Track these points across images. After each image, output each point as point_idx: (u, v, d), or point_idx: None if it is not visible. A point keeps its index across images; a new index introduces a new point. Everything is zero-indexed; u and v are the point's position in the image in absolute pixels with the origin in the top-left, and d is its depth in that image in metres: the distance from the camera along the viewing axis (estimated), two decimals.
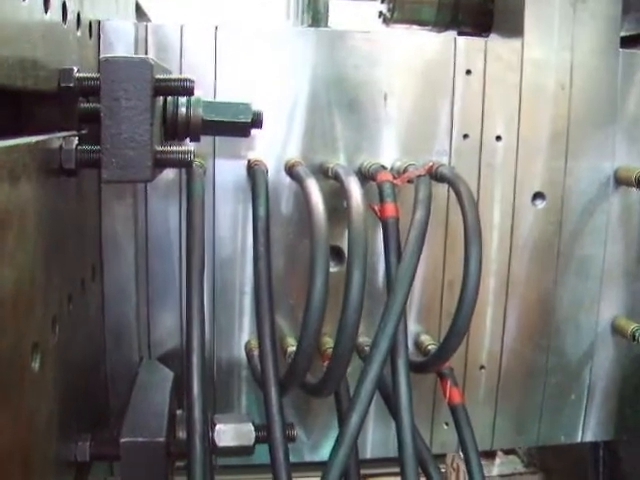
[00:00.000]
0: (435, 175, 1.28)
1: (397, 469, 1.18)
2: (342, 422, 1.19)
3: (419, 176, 1.26)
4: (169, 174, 1.31)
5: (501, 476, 1.93)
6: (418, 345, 1.44)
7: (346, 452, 1.10)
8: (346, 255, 1.31)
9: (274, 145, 1.35)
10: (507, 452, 1.97)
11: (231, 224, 1.36)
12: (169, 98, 1.06)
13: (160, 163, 0.94)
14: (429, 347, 1.41)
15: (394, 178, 1.26)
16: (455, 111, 1.40)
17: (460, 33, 1.58)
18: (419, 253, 1.17)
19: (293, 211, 1.37)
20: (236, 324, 1.40)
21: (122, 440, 1.04)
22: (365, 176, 1.31)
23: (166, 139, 1.08)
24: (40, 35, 0.87)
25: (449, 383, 1.32)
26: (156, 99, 0.94)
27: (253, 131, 1.14)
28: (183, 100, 1.07)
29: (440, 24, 1.57)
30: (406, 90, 1.38)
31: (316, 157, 1.35)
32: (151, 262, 1.34)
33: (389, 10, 1.54)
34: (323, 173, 1.31)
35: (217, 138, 1.32)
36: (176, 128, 1.07)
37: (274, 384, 1.17)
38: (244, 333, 1.41)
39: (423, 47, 1.38)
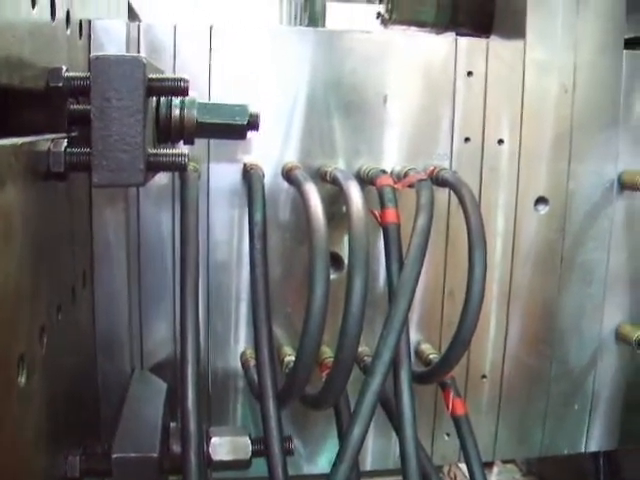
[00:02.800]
0: (436, 179, 1.25)
1: None
2: (343, 436, 1.14)
3: (420, 180, 1.23)
4: (162, 178, 1.26)
5: None
6: (419, 354, 1.41)
7: (348, 466, 1.06)
8: (345, 262, 1.29)
9: (271, 148, 1.31)
10: (505, 461, 1.95)
11: (226, 230, 1.32)
12: (162, 99, 1.03)
13: (153, 166, 0.90)
14: (430, 356, 1.37)
15: (394, 183, 1.22)
16: (456, 114, 1.37)
17: (458, 34, 1.53)
18: (422, 260, 1.13)
19: (290, 216, 1.34)
20: (232, 333, 1.37)
21: (114, 456, 1.01)
22: (364, 180, 1.27)
23: (159, 142, 1.04)
24: (26, 32, 0.83)
25: (452, 393, 1.29)
26: (149, 99, 0.90)
27: (249, 134, 1.10)
28: (177, 101, 1.04)
29: (439, 25, 1.55)
30: (406, 92, 1.35)
31: (314, 161, 1.32)
32: (143, 269, 1.30)
33: (387, 11, 1.51)
34: (321, 177, 1.27)
35: (212, 141, 1.28)
36: (169, 130, 1.03)
37: (272, 396, 1.13)
38: (240, 342, 1.37)
39: (423, 48, 1.35)
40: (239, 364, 1.36)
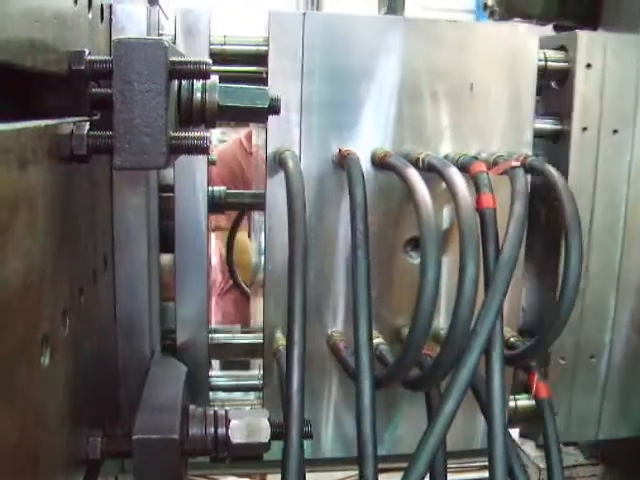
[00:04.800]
0: (527, 167, 1.26)
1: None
2: (434, 412, 1.15)
3: (514, 167, 1.24)
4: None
5: (564, 467, 1.90)
6: None
7: (437, 442, 1.09)
8: None
9: (361, 135, 1.33)
10: (567, 444, 1.97)
11: (316, 213, 1.34)
12: (184, 83, 1.03)
13: (175, 149, 0.90)
14: (512, 339, 1.39)
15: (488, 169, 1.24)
16: (575, 104, 1.39)
17: (556, 27, 1.59)
18: (520, 244, 1.16)
19: (378, 202, 1.35)
20: (319, 315, 1.38)
21: (135, 437, 1.01)
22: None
23: (181, 125, 1.04)
24: (50, 16, 0.84)
25: (536, 377, 1.32)
26: (171, 83, 0.90)
27: (343, 120, 1.20)
28: (198, 85, 1.04)
29: (545, 17, 1.56)
30: (491, 80, 1.36)
31: (403, 147, 1.34)
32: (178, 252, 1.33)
33: (498, 3, 1.52)
34: (411, 163, 1.27)
35: (303, 127, 1.30)
36: (191, 114, 1.03)
37: (369, 377, 1.14)
38: (328, 325, 1.39)
39: (509, 38, 1.37)
40: (325, 347, 1.38)
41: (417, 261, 1.34)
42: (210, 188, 1.54)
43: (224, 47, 1.29)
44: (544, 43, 1.39)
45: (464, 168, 1.24)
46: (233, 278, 2.37)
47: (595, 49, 1.38)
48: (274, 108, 1.07)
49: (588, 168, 1.41)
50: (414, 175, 1.17)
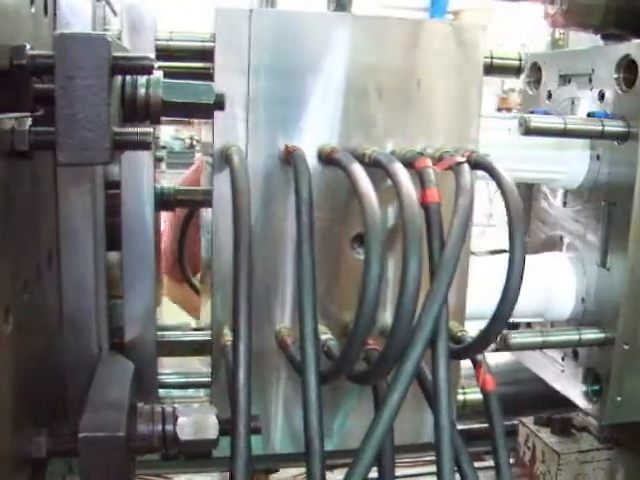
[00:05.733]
0: (471, 162, 1.28)
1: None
2: (380, 402, 1.18)
3: (459, 163, 1.25)
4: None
5: (580, 452, 1.95)
6: (448, 332, 1.42)
7: (382, 433, 1.09)
8: None
9: (307, 131, 1.33)
10: (581, 429, 2.02)
11: (263, 209, 1.34)
12: (128, 78, 1.02)
13: (119, 145, 0.90)
14: (459, 334, 1.40)
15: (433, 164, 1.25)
16: None
17: (604, 36, 1.62)
18: (464, 238, 1.17)
19: (325, 198, 1.35)
20: (268, 311, 1.38)
21: (80, 435, 1.00)
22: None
23: (125, 121, 1.04)
24: None
25: (483, 369, 1.32)
26: (114, 78, 0.90)
27: (290, 116, 1.23)
28: (143, 81, 1.03)
29: (603, 28, 1.59)
30: (439, 78, 1.37)
31: (349, 143, 1.34)
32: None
33: (560, 13, 1.54)
34: (358, 159, 1.27)
35: (249, 124, 1.30)
36: (135, 109, 1.03)
37: (314, 372, 1.15)
38: (276, 321, 1.39)
39: (457, 34, 1.37)
40: (274, 342, 1.38)
41: (364, 257, 1.34)
42: (160, 185, 1.53)
43: (170, 43, 1.28)
44: (607, 52, 1.48)
45: (410, 164, 1.25)
46: (184, 274, 2.36)
47: None
48: (219, 104, 1.07)
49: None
50: (359, 170, 1.18)
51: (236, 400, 1.08)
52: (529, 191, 1.80)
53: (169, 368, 1.60)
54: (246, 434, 1.07)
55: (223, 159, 1.26)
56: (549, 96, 1.70)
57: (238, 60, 1.27)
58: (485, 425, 1.33)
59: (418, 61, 1.35)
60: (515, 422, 2.09)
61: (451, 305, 1.41)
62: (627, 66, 1.45)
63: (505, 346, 1.56)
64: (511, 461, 2.20)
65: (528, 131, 1.42)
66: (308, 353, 1.15)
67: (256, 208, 1.31)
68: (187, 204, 1.77)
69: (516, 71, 1.42)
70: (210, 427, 1.13)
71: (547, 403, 1.99)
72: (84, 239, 1.26)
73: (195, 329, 1.66)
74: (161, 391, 1.50)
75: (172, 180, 1.74)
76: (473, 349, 1.31)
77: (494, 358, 2.12)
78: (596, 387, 1.56)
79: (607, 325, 1.52)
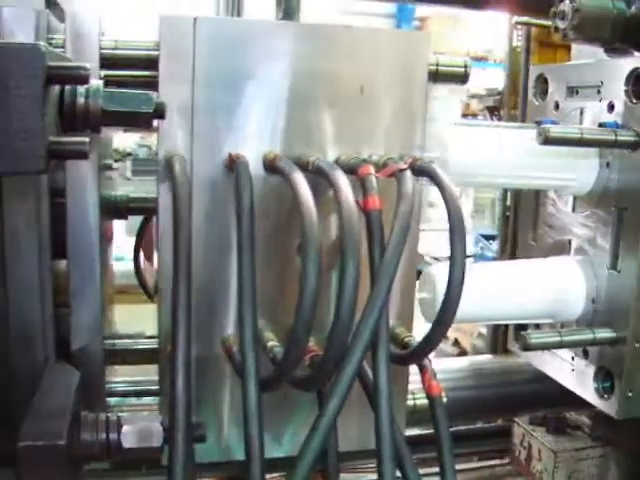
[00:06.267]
0: (415, 169, 1.29)
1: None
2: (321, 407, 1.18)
3: (401, 170, 1.26)
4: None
5: (575, 450, 2.05)
6: (394, 338, 1.43)
7: (321, 439, 1.10)
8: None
9: (252, 139, 1.33)
10: (574, 428, 2.08)
11: (208, 217, 1.34)
12: (67, 88, 1.02)
13: (55, 154, 0.90)
14: (406, 339, 1.41)
15: (376, 171, 1.26)
16: None
17: (609, 50, 1.66)
18: (403, 245, 1.18)
19: (269, 206, 1.35)
20: (215, 319, 1.39)
21: (20, 444, 1.00)
22: (344, 170, 1.28)
23: (65, 130, 1.04)
24: None
25: (428, 374, 1.33)
26: (50, 88, 0.90)
27: (234, 124, 1.24)
28: (82, 90, 1.03)
29: (610, 42, 1.63)
30: (382, 84, 1.38)
31: (294, 151, 1.35)
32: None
33: (572, 28, 1.56)
34: (301, 167, 1.28)
35: (194, 132, 1.30)
36: (74, 119, 1.03)
37: (254, 377, 1.16)
38: (223, 328, 1.39)
39: (400, 42, 1.39)
40: (221, 350, 1.39)
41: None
42: (113, 193, 1.53)
43: (115, 51, 1.28)
44: (616, 65, 1.55)
45: (353, 171, 1.27)
46: (140, 282, 2.35)
47: None
48: (159, 113, 1.07)
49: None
50: (299, 178, 1.19)
51: (174, 408, 1.09)
52: (536, 197, 1.84)
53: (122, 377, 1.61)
54: (184, 443, 1.08)
55: (166, 168, 1.26)
56: (556, 107, 1.75)
57: (182, 68, 1.27)
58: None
59: (362, 68, 1.36)
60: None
61: (398, 311, 1.44)
62: (637, 79, 1.51)
63: (525, 346, 1.58)
64: (506, 460, 2.26)
65: (547, 140, 1.45)
66: (248, 360, 1.16)
67: (201, 216, 1.31)
68: (141, 212, 1.76)
69: (462, 79, 1.43)
70: (154, 435, 1.13)
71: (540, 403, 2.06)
72: (29, 248, 1.25)
73: (148, 337, 1.66)
74: (116, 399, 1.50)
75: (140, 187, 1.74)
76: (418, 354, 1.33)
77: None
78: (607, 384, 1.61)
79: (618, 325, 1.57)
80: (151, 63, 1.29)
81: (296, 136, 1.35)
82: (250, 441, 1.13)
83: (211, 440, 1.38)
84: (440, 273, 1.51)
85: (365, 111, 1.38)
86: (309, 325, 1.10)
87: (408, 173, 1.25)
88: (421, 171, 1.29)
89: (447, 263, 1.74)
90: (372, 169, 1.25)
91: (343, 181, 1.18)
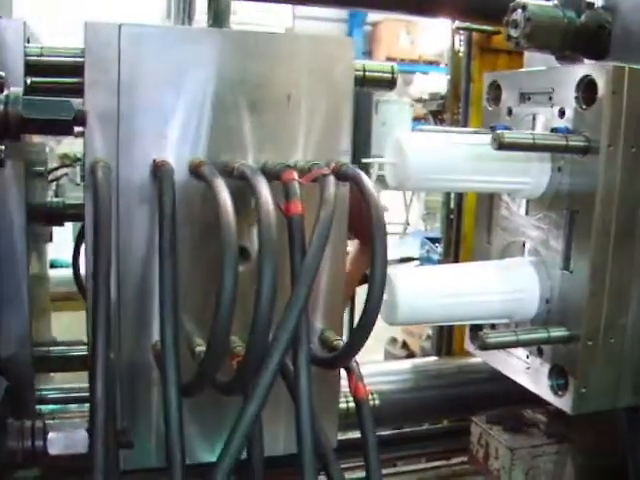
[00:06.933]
0: (339, 174, 1.30)
1: None
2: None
3: (324, 175, 1.27)
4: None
5: (532, 447, 2.08)
6: (323, 341, 1.45)
7: (240, 440, 1.11)
8: (252, 254, 1.36)
9: (178, 145, 1.33)
10: (530, 425, 2.15)
11: (135, 224, 1.33)
12: None
13: None
14: (334, 342, 1.42)
15: (299, 177, 1.27)
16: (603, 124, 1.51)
17: (560, 57, 1.71)
18: (323, 249, 1.19)
19: (198, 211, 1.35)
20: (143, 325, 1.37)
21: None
22: (270, 175, 1.30)
23: None
24: None
25: (355, 377, 1.34)
26: None
27: (160, 131, 1.25)
28: (1, 97, 1.03)
29: (561, 49, 1.68)
30: (309, 91, 1.39)
31: (220, 157, 1.35)
32: None
33: (524, 36, 1.60)
34: (228, 173, 1.29)
35: (120, 138, 1.30)
36: None
37: (174, 384, 1.17)
38: (152, 335, 1.38)
39: (326, 50, 1.40)
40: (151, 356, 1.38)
41: (241, 269, 1.34)
42: (49, 199, 1.52)
43: (41, 58, 1.28)
44: (567, 72, 1.58)
45: (278, 176, 1.28)
46: (78, 287, 2.33)
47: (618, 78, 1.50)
48: (80, 120, 1.07)
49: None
50: (220, 185, 1.20)
51: (93, 414, 1.09)
52: (490, 200, 1.87)
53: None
54: (102, 449, 1.07)
55: (90, 174, 1.26)
56: (509, 112, 1.77)
57: (108, 75, 1.27)
58: (394, 432, 1.36)
59: (288, 75, 1.38)
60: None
61: (326, 315, 1.45)
62: (587, 85, 1.54)
63: (483, 346, 1.61)
64: (464, 459, 2.30)
65: (502, 146, 1.47)
66: (168, 366, 1.17)
67: (127, 223, 1.31)
68: (77, 219, 1.76)
69: (389, 84, 1.45)
70: (80, 442, 1.13)
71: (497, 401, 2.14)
72: None
73: (85, 344, 1.65)
74: (52, 407, 1.49)
75: None
76: (343, 358, 1.34)
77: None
78: (561, 381, 1.64)
79: (571, 323, 1.61)
80: (78, 69, 1.29)
81: (222, 142, 1.36)
82: (171, 446, 1.13)
83: (147, 446, 1.37)
84: (398, 275, 1.55)
85: (292, 116, 1.39)
86: (227, 327, 1.11)
87: (331, 178, 1.27)
88: (345, 176, 1.30)
89: (408, 267, 1.79)
90: (295, 174, 1.26)
91: (263, 186, 1.19)
